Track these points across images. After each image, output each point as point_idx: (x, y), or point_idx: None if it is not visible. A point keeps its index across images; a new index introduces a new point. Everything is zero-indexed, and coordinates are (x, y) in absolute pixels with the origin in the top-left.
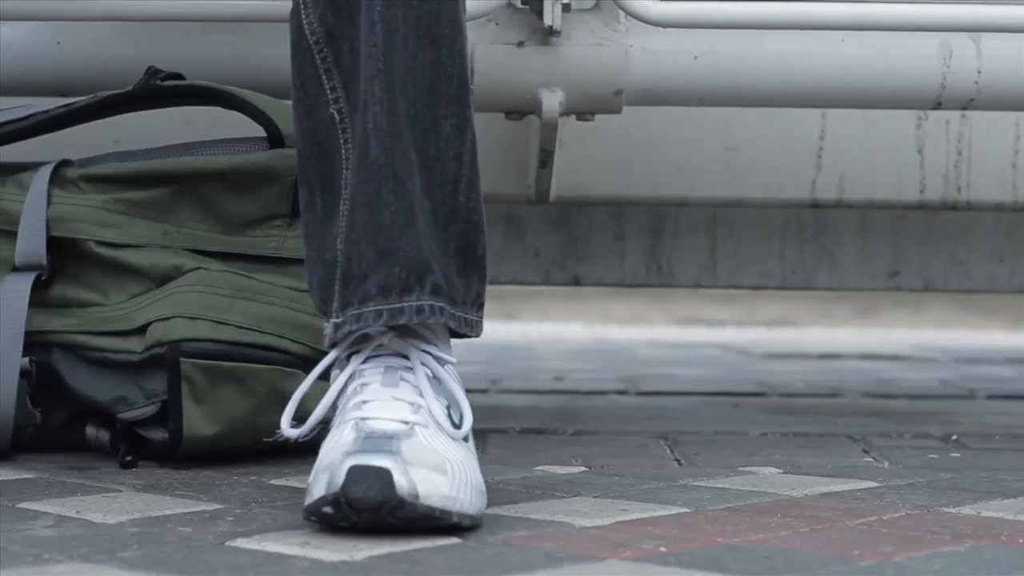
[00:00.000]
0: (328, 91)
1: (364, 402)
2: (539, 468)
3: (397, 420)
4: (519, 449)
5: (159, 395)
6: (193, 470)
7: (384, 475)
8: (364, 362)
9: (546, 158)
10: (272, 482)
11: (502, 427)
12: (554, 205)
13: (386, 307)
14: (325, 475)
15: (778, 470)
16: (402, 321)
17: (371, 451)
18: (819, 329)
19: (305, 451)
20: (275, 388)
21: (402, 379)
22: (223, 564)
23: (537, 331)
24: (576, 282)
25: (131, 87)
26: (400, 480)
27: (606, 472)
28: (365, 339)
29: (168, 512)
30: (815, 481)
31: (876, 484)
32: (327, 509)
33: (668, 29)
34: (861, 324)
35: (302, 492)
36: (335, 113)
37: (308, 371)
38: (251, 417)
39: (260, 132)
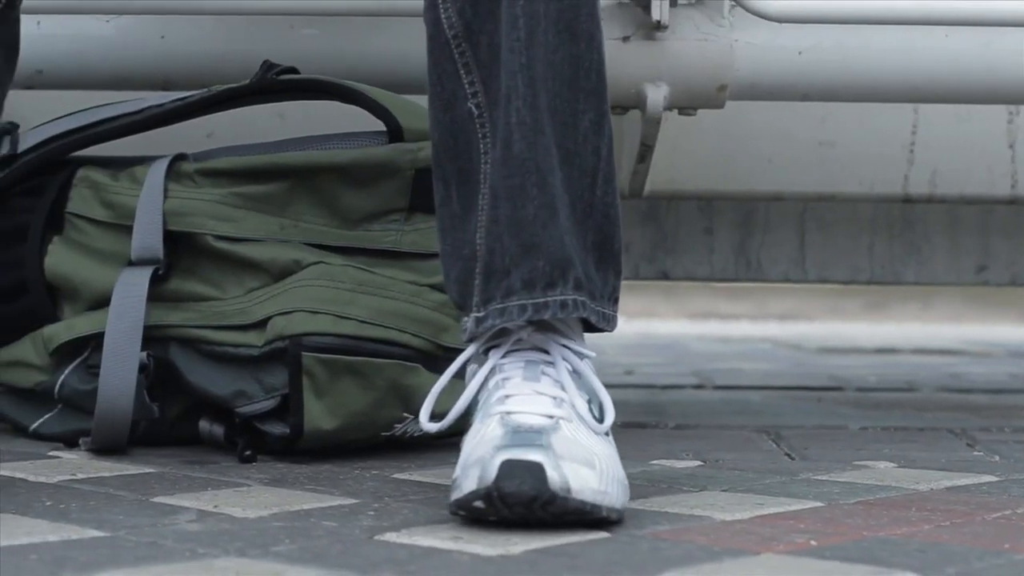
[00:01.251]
0: (466, 85)
1: (507, 396)
2: (654, 462)
3: (542, 414)
4: (626, 443)
5: (279, 389)
6: (312, 464)
7: (537, 469)
8: (504, 357)
9: (645, 153)
10: (395, 476)
11: None
12: (643, 200)
13: (530, 302)
14: (476, 469)
15: (892, 464)
16: (546, 316)
17: (522, 445)
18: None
19: (419, 446)
20: (395, 382)
21: (543, 373)
22: (382, 558)
23: None
24: (665, 276)
25: (247, 81)
26: (552, 475)
27: (723, 466)
28: (504, 334)
29: (305, 507)
30: (935, 476)
31: (997, 478)
32: (478, 503)
33: (772, 24)
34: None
35: (429, 486)
36: (473, 108)
37: (428, 365)
38: (371, 411)
39: (373, 126)
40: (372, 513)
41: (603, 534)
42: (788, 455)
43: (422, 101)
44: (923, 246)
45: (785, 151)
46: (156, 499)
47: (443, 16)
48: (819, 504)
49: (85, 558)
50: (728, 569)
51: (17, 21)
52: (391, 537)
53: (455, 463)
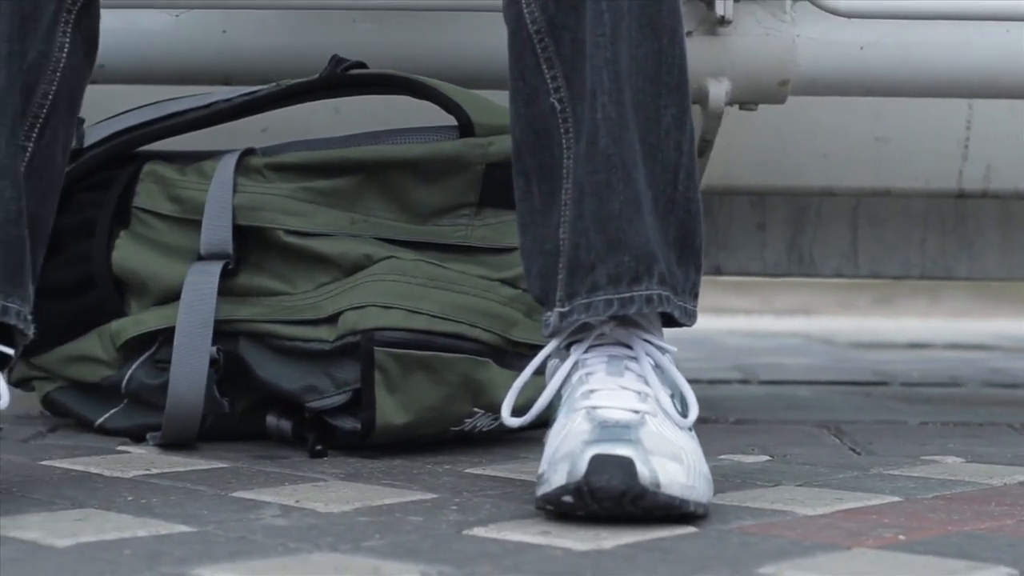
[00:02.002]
0: (548, 80)
1: (592, 391)
2: (722, 457)
3: (628, 409)
4: None
5: (350, 384)
6: (382, 459)
7: (627, 464)
8: (586, 352)
9: (704, 147)
10: (469, 471)
11: None
12: None
13: (616, 296)
14: (564, 464)
15: (960, 459)
16: (632, 311)
17: (611, 440)
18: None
19: (486, 440)
20: (466, 377)
21: (627, 368)
22: (476, 553)
23: None
24: (717, 271)
25: (317, 75)
26: (642, 469)
27: (793, 461)
28: (586, 329)
29: (387, 501)
30: (1006, 471)
31: None
32: (567, 498)
33: (834, 19)
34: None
35: (505, 481)
36: (555, 102)
37: (498, 360)
38: (441, 406)
39: (433, 120)
40: (455, 508)
41: (690, 529)
42: (853, 450)
43: (490, 96)
44: (976, 241)
45: (840, 146)
46: (236, 494)
47: (525, 12)
48: (897, 499)
49: (179, 553)
50: (823, 564)
51: (97, 16)
52: (479, 532)
53: (524, 458)
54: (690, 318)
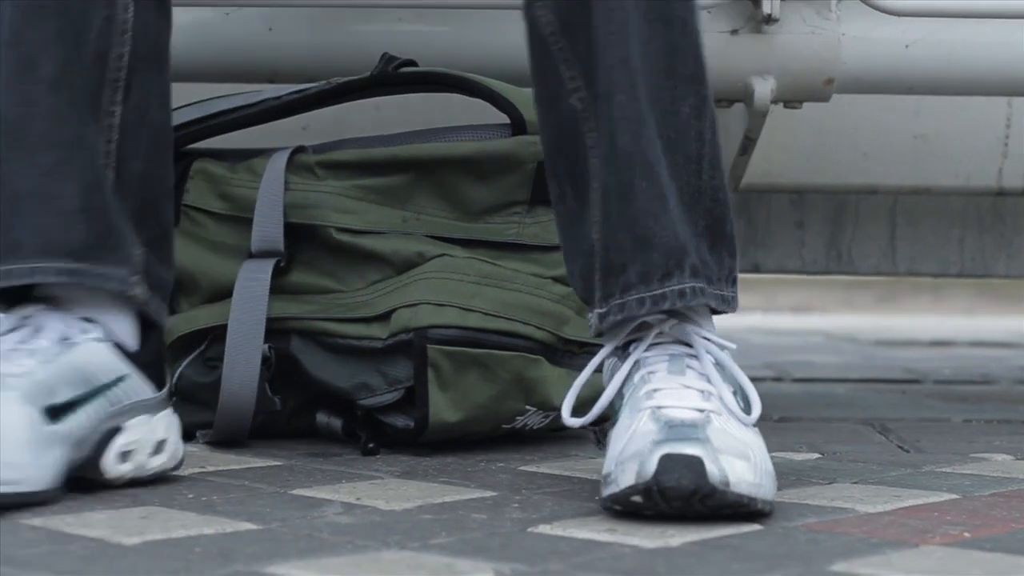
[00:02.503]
0: (567, 80)
1: (655, 391)
2: (773, 455)
3: (692, 408)
4: None
5: (402, 382)
6: (435, 457)
7: (696, 464)
8: (647, 350)
9: (748, 145)
10: (523, 469)
11: None
12: (734, 193)
13: (648, 295)
14: (633, 464)
15: (1010, 456)
16: (666, 306)
17: (680, 440)
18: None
19: (535, 438)
20: (518, 375)
21: (688, 367)
22: (545, 550)
23: None
24: (756, 269)
25: (368, 73)
26: (712, 468)
27: (844, 459)
28: (644, 327)
29: (447, 499)
30: None
31: None
32: (636, 498)
33: (879, 18)
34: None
35: (562, 479)
36: (576, 103)
37: (550, 358)
38: (494, 403)
39: (478, 119)
40: (516, 506)
41: (755, 526)
42: (901, 447)
43: None
44: (1014, 239)
45: (880, 144)
46: (295, 492)
47: (539, 14)
48: (955, 496)
49: (250, 551)
50: (894, 562)
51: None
52: (544, 529)
53: (576, 455)
54: (728, 305)
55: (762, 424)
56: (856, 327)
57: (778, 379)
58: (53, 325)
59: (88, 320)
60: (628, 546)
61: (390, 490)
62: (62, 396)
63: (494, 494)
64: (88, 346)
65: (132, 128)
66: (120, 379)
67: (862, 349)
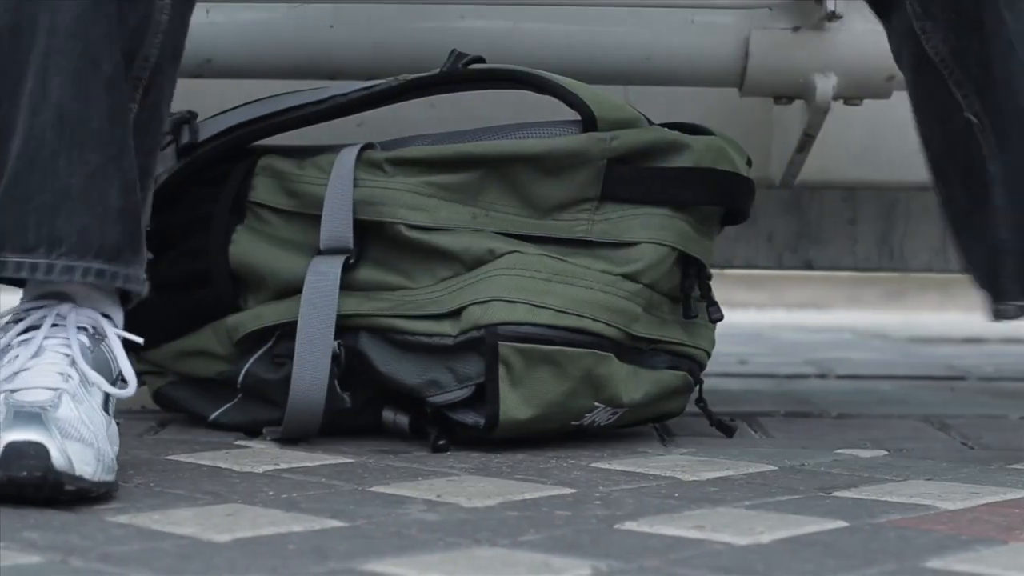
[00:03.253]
0: (960, 99)
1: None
2: (840, 451)
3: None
4: (801, 433)
5: (473, 379)
6: (505, 454)
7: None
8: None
9: (806, 142)
10: (595, 465)
11: (757, 410)
12: (785, 189)
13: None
14: None
15: None
16: None
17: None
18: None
19: (601, 435)
20: (589, 372)
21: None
22: (638, 547)
23: None
24: (808, 266)
25: (437, 70)
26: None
27: (912, 456)
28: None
29: (527, 496)
30: None
31: None
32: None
33: None
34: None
35: (637, 475)
36: (971, 117)
37: (619, 355)
38: (564, 400)
39: (535, 116)
40: (598, 503)
41: (839, 523)
42: (965, 444)
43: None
44: None
45: None
46: (373, 489)
47: (928, 48)
48: None
49: (343, 548)
50: (987, 558)
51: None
52: (631, 526)
53: (645, 452)
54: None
55: (822, 421)
56: (884, 324)
57: (822, 376)
58: (82, 320)
59: (106, 316)
60: (719, 543)
61: (468, 487)
62: (104, 390)
63: (573, 491)
64: (116, 342)
65: (144, 124)
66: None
67: (896, 346)
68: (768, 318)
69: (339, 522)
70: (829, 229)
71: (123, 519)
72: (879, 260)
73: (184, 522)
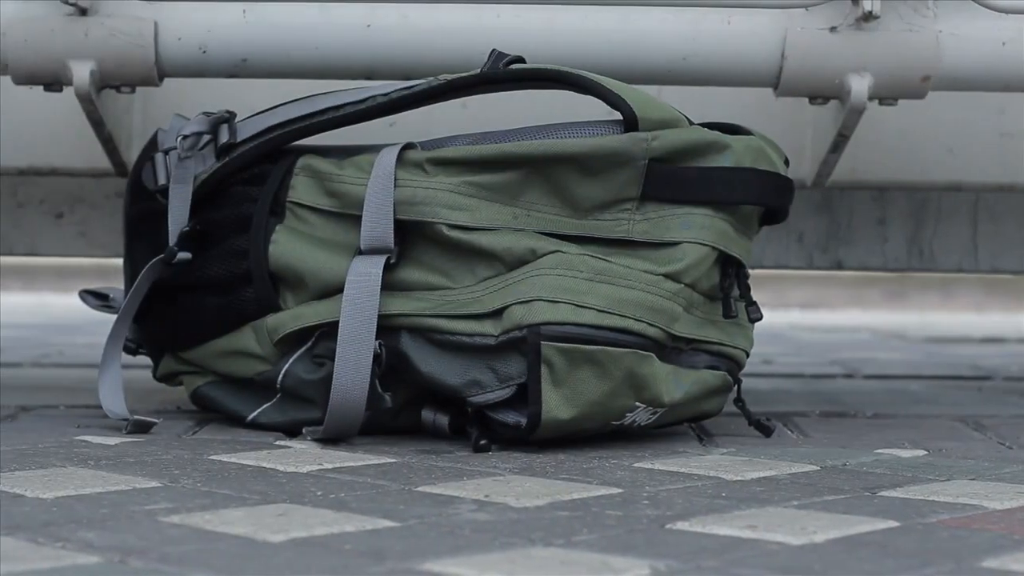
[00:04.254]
0: None
1: None
2: (880, 451)
3: None
4: (839, 433)
5: (514, 378)
6: (546, 453)
7: None
8: None
9: (840, 143)
10: (638, 465)
11: (790, 410)
12: (816, 189)
13: None
14: None
15: None
16: None
17: None
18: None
19: (639, 436)
20: (630, 371)
21: None
22: (695, 547)
23: None
24: (839, 266)
25: (478, 70)
26: None
27: (952, 455)
28: None
29: (576, 496)
30: None
31: None
32: None
33: (975, 15)
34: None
35: (682, 475)
36: None
37: (660, 354)
38: (606, 400)
39: (565, 116)
40: (647, 502)
41: (891, 523)
42: (1003, 444)
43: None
44: None
45: (965, 141)
46: (421, 488)
47: None
48: None
49: (399, 548)
50: None
51: None
52: (683, 526)
53: (684, 452)
54: None
55: (858, 421)
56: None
57: (849, 376)
58: None
59: None
60: (774, 543)
61: (515, 487)
62: None
63: (620, 491)
64: None
65: None
66: None
67: (916, 346)
68: (782, 318)
69: (391, 522)
70: (859, 229)
71: (175, 519)
72: (909, 260)
73: (236, 522)
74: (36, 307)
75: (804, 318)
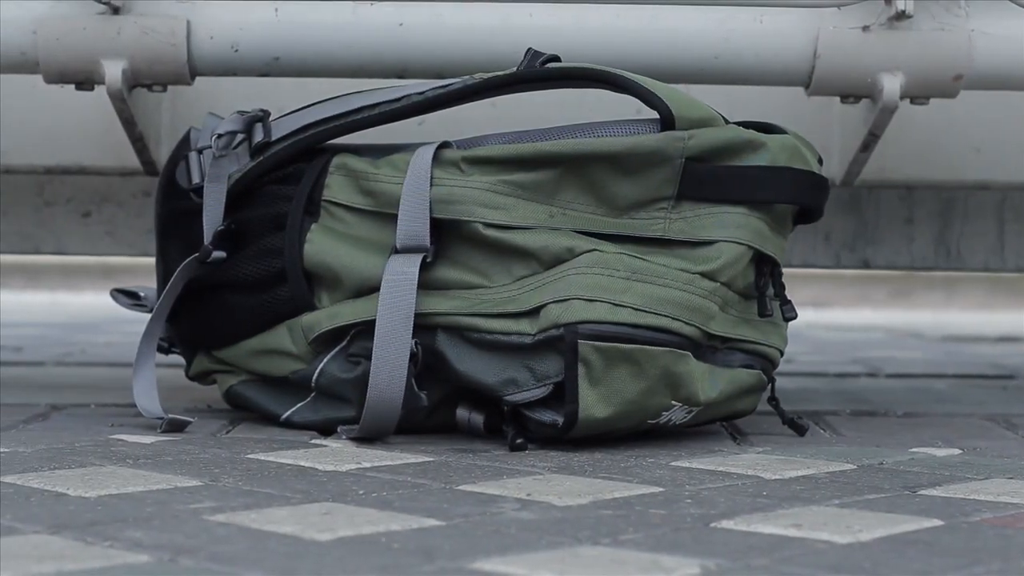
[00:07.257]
0: None
1: None
2: (915, 450)
3: None
4: (874, 430)
5: (551, 377)
6: (583, 452)
7: None
8: None
9: (871, 142)
10: (676, 464)
11: (818, 409)
12: (843, 188)
13: None
14: None
15: None
16: None
17: None
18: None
19: (674, 435)
20: (667, 370)
21: None
22: (742, 546)
23: None
24: (866, 265)
25: (514, 69)
26: None
27: (987, 454)
28: None
29: (618, 495)
30: None
31: None
32: None
33: (1005, 14)
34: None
35: (720, 474)
36: None
37: (696, 353)
38: (642, 399)
39: (594, 115)
40: (689, 501)
41: (936, 521)
42: None
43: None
44: None
45: (992, 140)
46: (462, 487)
47: None
48: None
49: (447, 547)
50: None
51: None
52: (728, 525)
53: (720, 451)
54: None
55: (889, 420)
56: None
57: (871, 375)
58: None
59: None
60: (821, 541)
61: (556, 486)
62: None
63: (662, 489)
64: None
65: None
66: None
67: (933, 345)
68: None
69: (436, 521)
70: (886, 228)
71: (221, 518)
72: (935, 259)
73: (282, 521)
74: (51, 306)
75: (820, 317)
